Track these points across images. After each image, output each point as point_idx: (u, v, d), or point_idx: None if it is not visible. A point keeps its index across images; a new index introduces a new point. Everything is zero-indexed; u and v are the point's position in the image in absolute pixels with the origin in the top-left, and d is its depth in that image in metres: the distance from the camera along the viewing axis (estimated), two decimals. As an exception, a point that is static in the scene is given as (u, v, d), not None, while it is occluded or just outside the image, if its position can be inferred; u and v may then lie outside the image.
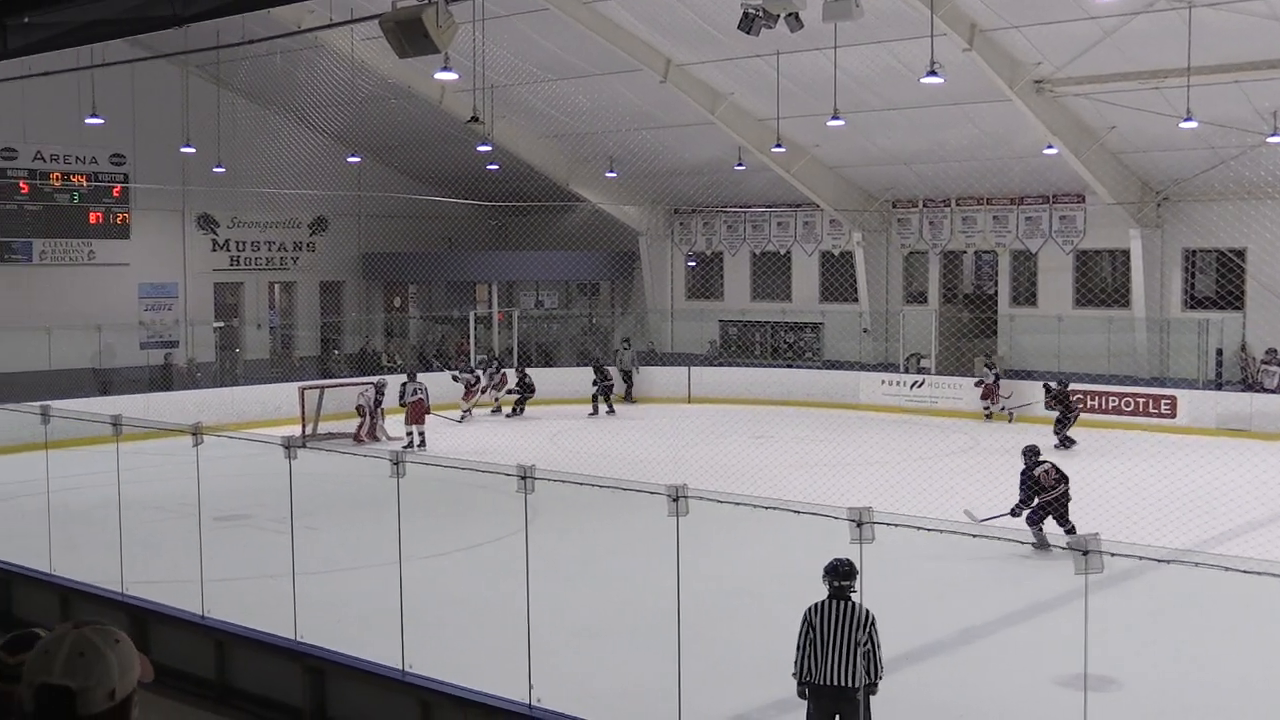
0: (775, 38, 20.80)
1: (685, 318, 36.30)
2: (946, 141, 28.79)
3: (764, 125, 28.79)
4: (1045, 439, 21.36)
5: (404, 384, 26.10)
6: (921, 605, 13.22)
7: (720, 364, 34.39)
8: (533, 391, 30.13)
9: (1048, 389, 25.22)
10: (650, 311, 37.06)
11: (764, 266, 35.71)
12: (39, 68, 15.63)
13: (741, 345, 35.77)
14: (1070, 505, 15.78)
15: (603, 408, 30.45)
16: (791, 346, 34.98)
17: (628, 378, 32.52)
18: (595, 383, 30.65)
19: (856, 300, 33.24)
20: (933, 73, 20.43)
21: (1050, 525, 15.52)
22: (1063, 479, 15.86)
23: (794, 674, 8.49)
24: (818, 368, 32.92)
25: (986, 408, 28.12)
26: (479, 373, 30.13)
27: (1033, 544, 14.88)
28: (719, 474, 17.40)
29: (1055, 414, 24.56)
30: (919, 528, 8.21)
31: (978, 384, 28.49)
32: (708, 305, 36.65)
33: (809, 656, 8.37)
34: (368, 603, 12.46)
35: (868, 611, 8.40)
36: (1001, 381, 28.22)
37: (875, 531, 7.68)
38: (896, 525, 7.89)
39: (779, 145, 28.00)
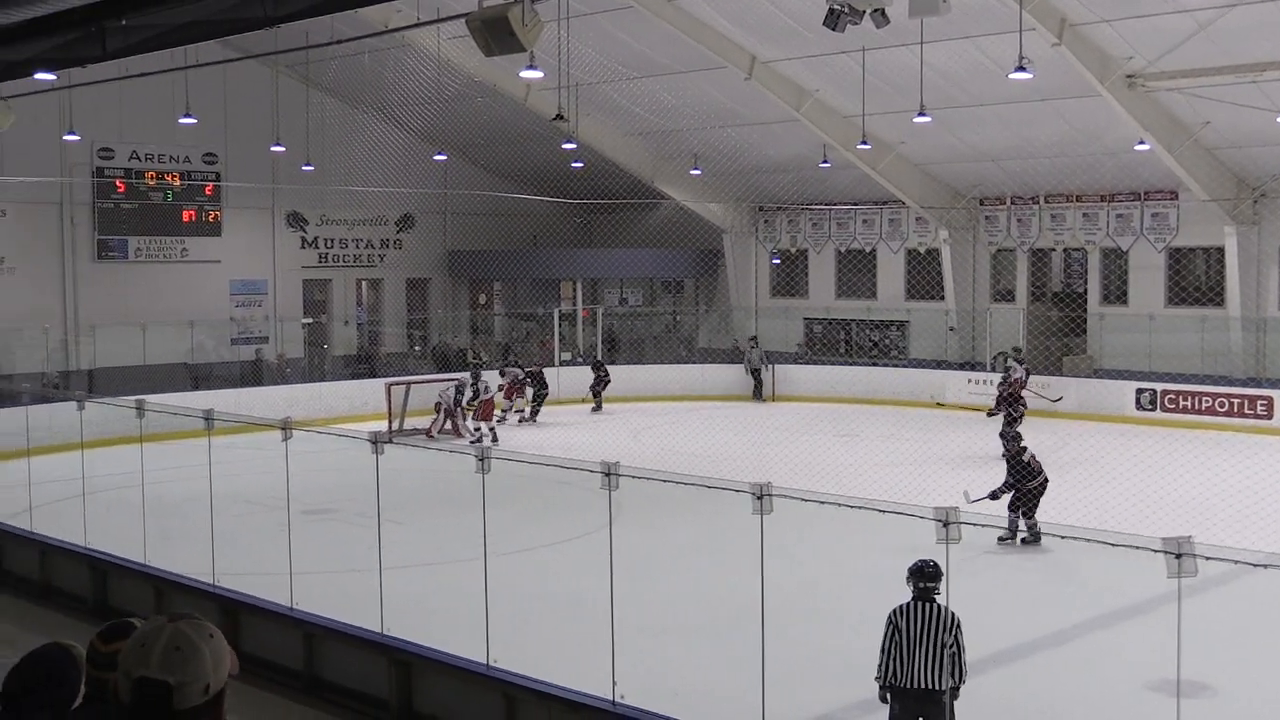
0: (861, 34, 20.57)
1: (769, 315, 36.15)
2: (1035, 138, 28.40)
3: (849, 122, 28.60)
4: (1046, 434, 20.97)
5: (473, 383, 26.25)
6: (1008, 607, 13.06)
7: (805, 362, 34.23)
8: (546, 390, 29.31)
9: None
10: (734, 309, 36.98)
11: (849, 264, 35.48)
12: (135, 69, 15.92)
13: (826, 343, 35.57)
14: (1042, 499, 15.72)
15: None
16: (877, 344, 34.72)
17: (757, 375, 32.34)
18: (599, 379, 30.60)
19: (943, 298, 32.93)
20: (1021, 68, 20.15)
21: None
22: (1042, 468, 15.92)
23: (877, 677, 8.41)
24: (903, 366, 32.66)
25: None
26: (518, 371, 29.51)
27: (1001, 535, 14.76)
28: (803, 472, 17.31)
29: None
30: (1005, 528, 8.11)
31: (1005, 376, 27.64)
32: (792, 303, 36.48)
33: (894, 659, 8.29)
34: (452, 597, 12.55)
35: (953, 614, 8.32)
36: (1032, 377, 27.25)
37: (961, 531, 7.61)
38: (983, 526, 7.82)
39: (864, 142, 27.80)
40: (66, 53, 12.10)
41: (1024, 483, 15.73)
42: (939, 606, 8.35)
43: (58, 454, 17.97)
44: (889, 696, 8.39)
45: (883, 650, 8.36)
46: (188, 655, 2.79)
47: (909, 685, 8.22)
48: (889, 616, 8.40)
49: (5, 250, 30.53)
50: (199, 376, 30.17)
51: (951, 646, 8.23)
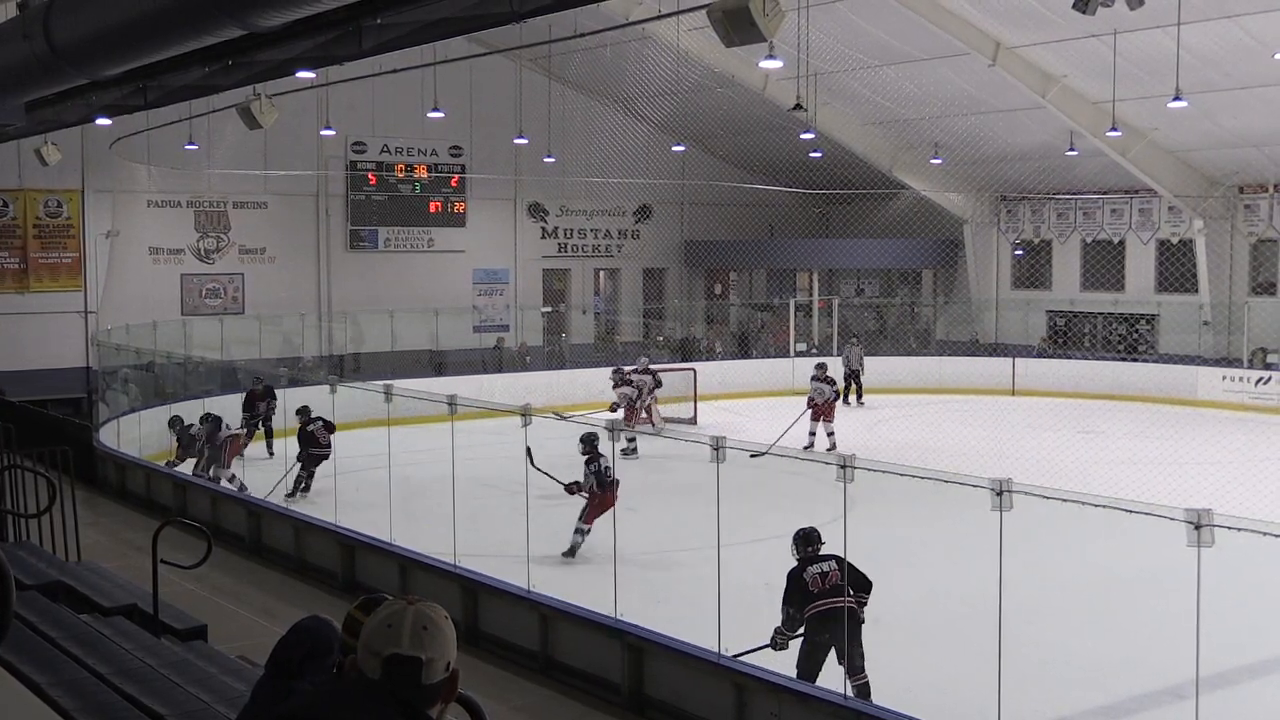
0: (1113, 16, 19.89)
1: (1010, 308, 35.32)
2: (1302, 121, 26.94)
3: (1098, 108, 27.62)
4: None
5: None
6: (1266, 616, 12.44)
7: (1047, 356, 33.28)
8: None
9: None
10: (974, 301, 36.21)
11: (1095, 255, 34.33)
12: (387, 66, 16.52)
13: (1070, 336, 34.53)
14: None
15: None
16: (1124, 339, 33.52)
17: (854, 378, 29.94)
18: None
19: (1196, 291, 31.55)
20: (1288, 48, 19.16)
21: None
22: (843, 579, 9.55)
23: None
24: (1152, 361, 31.42)
25: None
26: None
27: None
28: (1044, 469, 16.83)
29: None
30: (1264, 532, 7.71)
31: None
32: (1034, 295, 35.52)
33: None
34: (684, 585, 12.64)
35: None
36: None
37: (1215, 535, 7.27)
38: (1238, 529, 7.44)
39: (1114, 129, 26.80)
40: (326, 51, 12.62)
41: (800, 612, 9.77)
42: None
43: (312, 435, 18.74)
44: None
45: None
46: (434, 634, 2.95)
47: None
48: None
49: (267, 241, 32.16)
50: (442, 362, 31.17)
51: None
